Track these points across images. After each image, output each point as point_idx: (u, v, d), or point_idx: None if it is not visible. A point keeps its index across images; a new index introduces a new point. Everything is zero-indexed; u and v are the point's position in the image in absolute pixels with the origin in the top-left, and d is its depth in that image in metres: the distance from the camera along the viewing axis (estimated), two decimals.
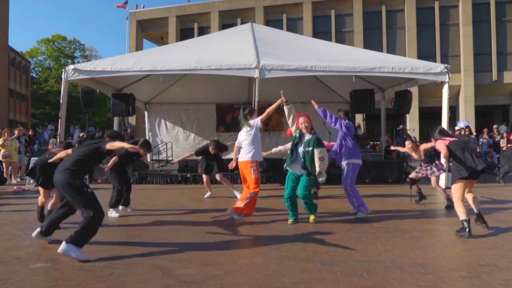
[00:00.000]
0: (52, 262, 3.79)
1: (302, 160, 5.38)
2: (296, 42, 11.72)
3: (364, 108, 11.70)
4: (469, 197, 5.16)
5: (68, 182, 3.98)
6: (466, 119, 23.98)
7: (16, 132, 12.88)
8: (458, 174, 4.88)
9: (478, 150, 14.13)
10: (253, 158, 5.78)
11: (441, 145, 5.03)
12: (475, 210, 5.13)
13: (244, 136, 5.91)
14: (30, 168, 5.38)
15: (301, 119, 5.48)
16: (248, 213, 5.93)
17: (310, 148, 5.30)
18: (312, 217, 5.65)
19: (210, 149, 7.96)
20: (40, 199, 5.51)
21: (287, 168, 5.61)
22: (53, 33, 58.67)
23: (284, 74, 9.34)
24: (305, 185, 5.42)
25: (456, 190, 4.91)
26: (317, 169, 5.22)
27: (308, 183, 5.44)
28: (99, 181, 10.79)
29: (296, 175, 5.54)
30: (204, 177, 8.21)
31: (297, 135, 5.55)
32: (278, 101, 5.72)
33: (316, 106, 5.97)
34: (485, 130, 16.01)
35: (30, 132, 17.56)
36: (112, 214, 6.04)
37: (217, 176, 8.09)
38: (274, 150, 6.38)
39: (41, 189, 5.40)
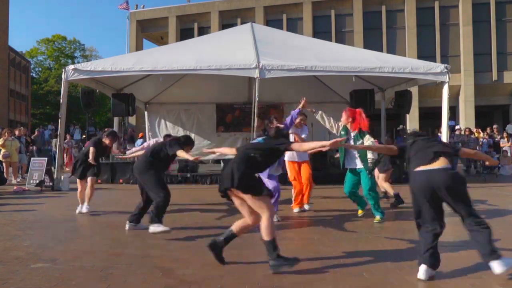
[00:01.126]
0: (52, 262, 3.78)
1: (359, 155, 5.52)
2: (296, 42, 11.72)
3: (364, 108, 11.61)
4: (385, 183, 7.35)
5: None
6: (466, 119, 24.02)
7: (16, 132, 12.92)
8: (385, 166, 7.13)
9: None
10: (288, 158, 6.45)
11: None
12: (392, 193, 7.06)
13: None
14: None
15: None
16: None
17: (360, 141, 5.43)
18: (377, 218, 5.62)
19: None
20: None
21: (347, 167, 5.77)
22: (53, 33, 58.57)
23: (284, 74, 9.33)
24: (367, 182, 5.53)
25: (385, 178, 7.27)
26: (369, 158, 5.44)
27: (369, 179, 5.55)
28: (98, 181, 10.77)
29: (353, 170, 5.68)
30: None
31: (342, 132, 5.72)
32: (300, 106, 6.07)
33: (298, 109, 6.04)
34: (488, 129, 16.02)
35: (36, 133, 17.61)
36: (159, 228, 4.71)
37: None
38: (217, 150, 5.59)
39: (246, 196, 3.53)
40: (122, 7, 28.90)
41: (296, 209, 6.47)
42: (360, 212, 5.96)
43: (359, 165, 5.57)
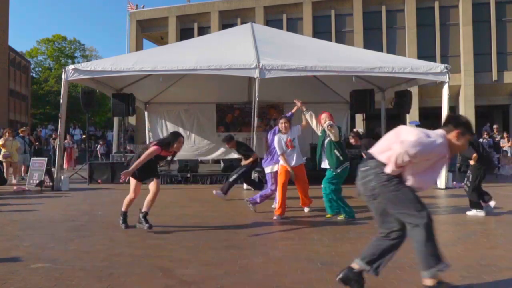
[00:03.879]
0: (52, 262, 3.79)
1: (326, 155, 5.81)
2: (296, 42, 11.72)
3: (364, 108, 11.70)
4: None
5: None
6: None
7: (21, 132, 12.98)
8: None
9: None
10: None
11: None
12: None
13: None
14: None
15: (322, 116, 5.92)
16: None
17: (328, 139, 5.73)
18: (340, 216, 5.84)
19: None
20: None
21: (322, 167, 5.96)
22: (53, 33, 58.77)
23: (284, 74, 9.34)
24: (328, 179, 5.75)
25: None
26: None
27: (332, 177, 5.71)
28: (99, 181, 10.79)
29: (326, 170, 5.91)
30: None
31: (320, 133, 5.97)
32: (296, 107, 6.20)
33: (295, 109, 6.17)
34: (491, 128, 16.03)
35: (38, 132, 17.69)
36: None
37: None
38: None
39: None
40: (131, 9, 29.23)
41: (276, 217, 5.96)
42: (327, 216, 5.92)
43: (326, 165, 5.83)
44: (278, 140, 5.98)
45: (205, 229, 5.18)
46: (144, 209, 5.15)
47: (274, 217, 5.86)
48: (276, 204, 6.12)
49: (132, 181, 5.26)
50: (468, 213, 6.13)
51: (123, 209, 5.35)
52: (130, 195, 5.28)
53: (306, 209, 6.44)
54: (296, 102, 6.37)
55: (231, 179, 7.67)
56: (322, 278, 3.32)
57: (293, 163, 5.97)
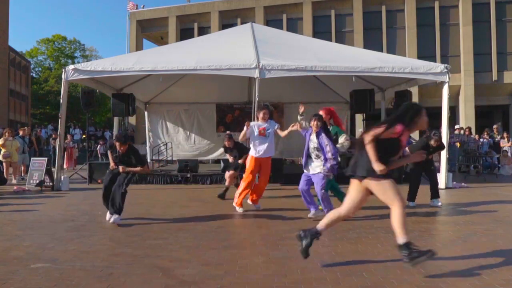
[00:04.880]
0: (52, 262, 3.79)
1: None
2: (296, 42, 11.71)
3: (364, 108, 11.69)
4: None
5: None
6: (466, 119, 24.00)
7: (21, 132, 12.98)
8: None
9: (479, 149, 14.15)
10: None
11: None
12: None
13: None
14: None
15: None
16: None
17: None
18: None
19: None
20: None
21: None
22: (53, 33, 58.82)
23: (284, 74, 9.33)
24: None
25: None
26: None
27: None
28: (99, 181, 10.78)
29: None
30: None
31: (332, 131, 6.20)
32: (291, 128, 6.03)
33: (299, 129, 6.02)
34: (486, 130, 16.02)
35: (38, 132, 17.68)
36: None
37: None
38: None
39: None
40: (130, 7, 29.21)
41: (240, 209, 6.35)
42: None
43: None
44: (252, 125, 6.26)
45: (205, 229, 5.18)
46: (400, 241, 3.45)
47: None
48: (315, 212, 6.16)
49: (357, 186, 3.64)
50: (440, 204, 6.90)
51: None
52: (349, 206, 3.64)
53: (254, 205, 6.59)
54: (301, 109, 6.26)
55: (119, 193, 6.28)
56: (322, 278, 3.33)
57: (261, 152, 6.18)
